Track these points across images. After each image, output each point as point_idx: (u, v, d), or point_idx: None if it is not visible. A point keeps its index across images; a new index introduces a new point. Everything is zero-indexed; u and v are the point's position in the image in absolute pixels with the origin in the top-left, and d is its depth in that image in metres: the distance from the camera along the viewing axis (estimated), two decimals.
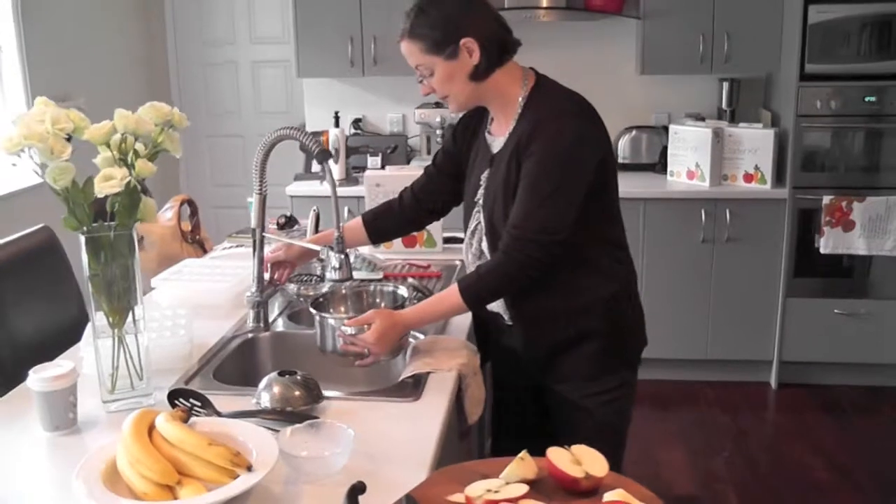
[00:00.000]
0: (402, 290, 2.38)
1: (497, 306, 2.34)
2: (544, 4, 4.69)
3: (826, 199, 4.52)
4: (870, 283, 4.68)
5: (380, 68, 4.83)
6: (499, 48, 2.17)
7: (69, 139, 1.89)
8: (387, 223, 2.63)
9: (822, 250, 4.57)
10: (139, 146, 1.93)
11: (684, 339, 4.77)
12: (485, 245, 2.30)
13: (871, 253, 4.56)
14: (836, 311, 4.69)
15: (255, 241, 2.45)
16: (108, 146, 1.89)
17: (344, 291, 2.38)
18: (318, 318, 2.20)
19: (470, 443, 2.46)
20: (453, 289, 2.17)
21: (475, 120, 2.39)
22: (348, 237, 2.50)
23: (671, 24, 4.70)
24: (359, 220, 2.65)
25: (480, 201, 2.30)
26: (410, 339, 2.32)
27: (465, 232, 2.39)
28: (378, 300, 2.41)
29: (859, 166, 4.57)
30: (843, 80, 4.49)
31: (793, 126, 4.55)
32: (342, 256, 2.22)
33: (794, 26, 4.51)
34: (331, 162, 4.51)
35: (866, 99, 4.48)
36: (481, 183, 2.30)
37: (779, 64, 4.74)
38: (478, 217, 2.31)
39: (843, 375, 4.81)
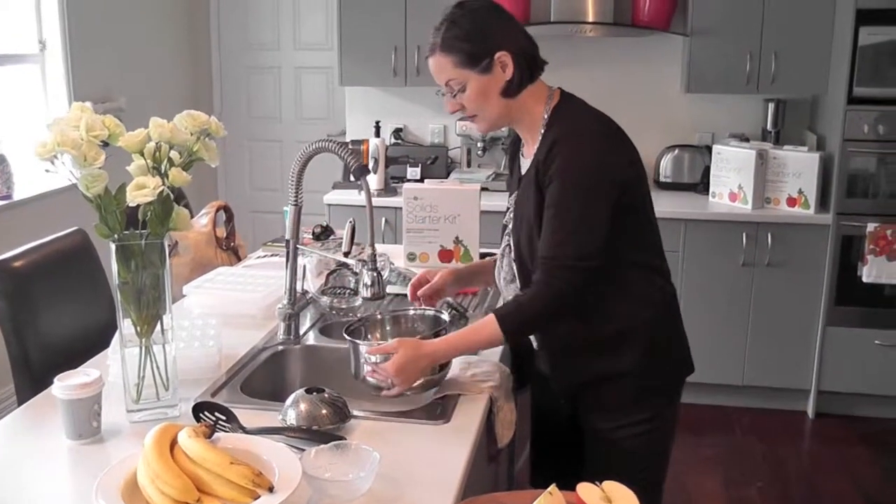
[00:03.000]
0: (444, 315, 2.26)
1: None
2: (590, 19, 4.64)
3: (870, 227, 4.42)
4: None
5: (422, 78, 4.79)
6: (530, 64, 2.11)
7: (107, 145, 1.87)
8: None
9: (864, 279, 4.47)
10: (174, 155, 1.91)
11: (721, 364, 4.68)
12: (515, 268, 2.22)
13: None
14: (877, 341, 4.58)
15: (288, 252, 2.42)
16: (143, 154, 1.87)
17: (379, 316, 2.30)
18: (349, 344, 2.12)
19: (499, 466, 2.41)
20: (490, 319, 2.04)
21: (518, 146, 2.30)
22: (485, 272, 2.51)
23: (718, 42, 4.64)
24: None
25: (510, 225, 2.23)
26: None
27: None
28: (417, 325, 2.31)
29: None
30: (893, 104, 4.39)
31: (839, 150, 4.46)
32: (374, 274, 2.18)
33: (843, 48, 4.43)
34: (369, 175, 4.55)
35: None
36: (509, 206, 2.25)
37: (826, 86, 4.65)
38: (507, 239, 2.25)
39: (883, 408, 4.70)
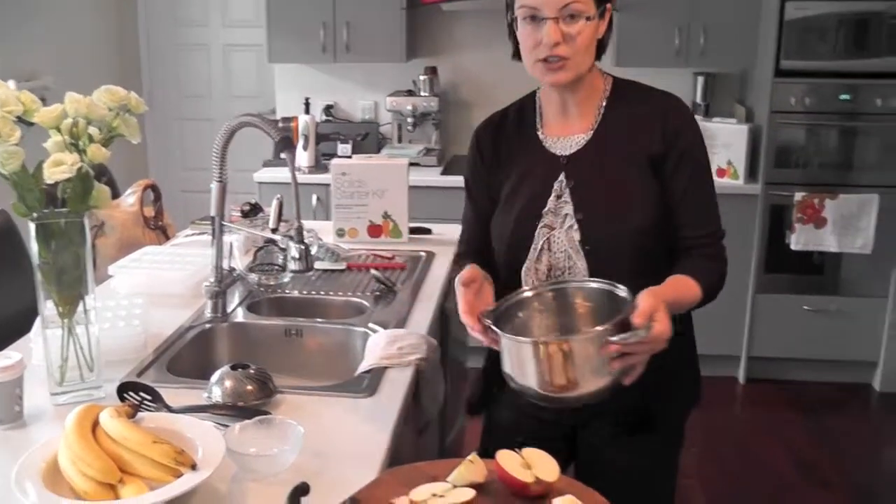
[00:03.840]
0: (622, 291, 1.68)
1: None
2: None
3: (798, 196, 4.51)
4: (840, 280, 4.69)
5: (352, 55, 4.77)
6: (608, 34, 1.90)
7: (31, 125, 1.84)
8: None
9: (792, 247, 4.58)
10: (93, 131, 1.88)
11: None
12: (581, 262, 1.85)
13: (842, 250, 4.57)
14: (805, 307, 4.69)
15: (214, 230, 2.40)
16: (59, 130, 1.84)
17: (528, 294, 1.80)
18: (531, 345, 1.60)
19: (428, 438, 2.42)
20: (688, 279, 1.79)
21: (505, 129, 2.00)
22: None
23: (647, 16, 4.67)
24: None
25: (568, 210, 1.87)
26: (369, 332, 2.27)
27: (527, 253, 1.90)
28: (574, 301, 1.80)
29: (832, 164, 4.56)
30: (819, 77, 4.49)
31: (766, 122, 4.54)
32: (302, 247, 2.16)
33: (770, 22, 4.50)
34: (298, 150, 4.52)
35: (841, 97, 4.48)
36: (554, 191, 1.89)
37: (755, 59, 4.72)
38: (545, 234, 1.88)
39: (812, 372, 4.81)
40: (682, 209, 1.86)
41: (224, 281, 2.45)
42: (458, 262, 2.00)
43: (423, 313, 2.41)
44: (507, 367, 1.65)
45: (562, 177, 1.89)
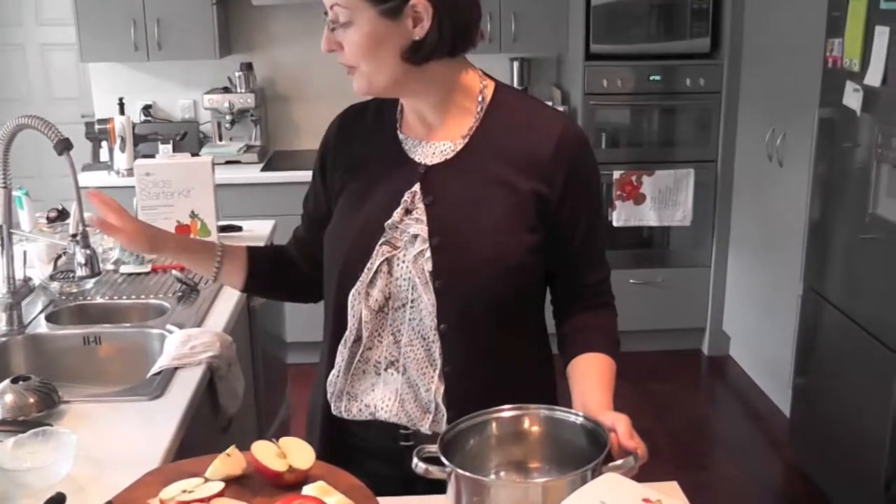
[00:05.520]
0: (600, 432, 1.44)
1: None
2: None
3: (616, 174, 4.68)
4: (666, 252, 4.92)
5: (165, 52, 4.66)
6: (457, 33, 1.51)
7: None
8: (269, 267, 1.83)
9: (614, 223, 4.74)
10: None
11: None
12: (429, 298, 1.52)
13: (663, 224, 4.77)
14: (631, 280, 4.85)
15: (2, 239, 2.34)
16: None
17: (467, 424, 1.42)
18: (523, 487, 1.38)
19: (239, 435, 2.42)
20: (603, 357, 1.64)
21: (365, 122, 1.68)
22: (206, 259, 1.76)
23: None
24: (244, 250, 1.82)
25: (418, 231, 1.54)
26: (166, 333, 2.27)
27: (359, 271, 1.56)
28: (560, 437, 1.49)
29: (647, 142, 4.76)
30: (629, 59, 4.66)
31: (581, 104, 4.68)
32: (88, 252, 2.13)
33: (578, 7, 4.64)
34: (116, 152, 4.43)
35: (651, 78, 4.66)
36: (403, 202, 1.55)
37: (567, 44, 4.86)
38: (386, 253, 1.55)
39: (641, 343, 4.96)
40: (580, 258, 1.63)
41: (18, 292, 2.39)
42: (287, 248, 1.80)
43: (223, 311, 2.42)
44: None
45: (416, 188, 1.55)
